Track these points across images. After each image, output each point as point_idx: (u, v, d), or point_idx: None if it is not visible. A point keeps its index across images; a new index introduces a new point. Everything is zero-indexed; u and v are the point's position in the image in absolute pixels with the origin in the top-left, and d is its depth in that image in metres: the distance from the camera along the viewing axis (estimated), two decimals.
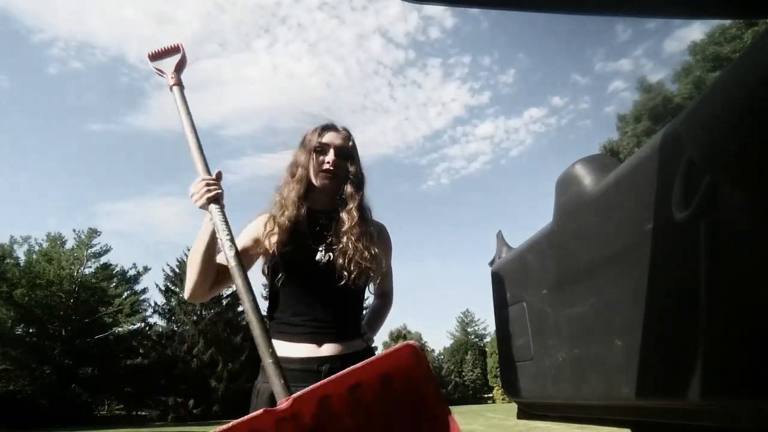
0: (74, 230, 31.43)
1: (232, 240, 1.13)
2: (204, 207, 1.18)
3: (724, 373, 0.84)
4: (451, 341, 52.15)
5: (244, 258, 1.27)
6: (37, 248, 28.72)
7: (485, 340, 50.64)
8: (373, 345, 1.40)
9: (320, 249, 1.32)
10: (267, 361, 1.02)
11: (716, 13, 0.82)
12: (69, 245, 29.05)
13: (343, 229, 1.32)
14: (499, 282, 1.97)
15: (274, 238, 1.31)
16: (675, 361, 0.94)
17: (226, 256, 1.12)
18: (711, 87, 0.88)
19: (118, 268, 30.46)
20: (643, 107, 20.94)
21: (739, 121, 0.75)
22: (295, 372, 1.17)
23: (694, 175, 0.85)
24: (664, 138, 0.97)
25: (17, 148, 51.55)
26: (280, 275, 1.31)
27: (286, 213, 1.33)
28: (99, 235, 29.46)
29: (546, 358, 1.53)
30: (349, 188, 1.37)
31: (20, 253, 28.14)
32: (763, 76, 0.71)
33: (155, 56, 1.46)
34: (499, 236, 2.09)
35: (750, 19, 13.52)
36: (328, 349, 1.25)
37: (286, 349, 1.23)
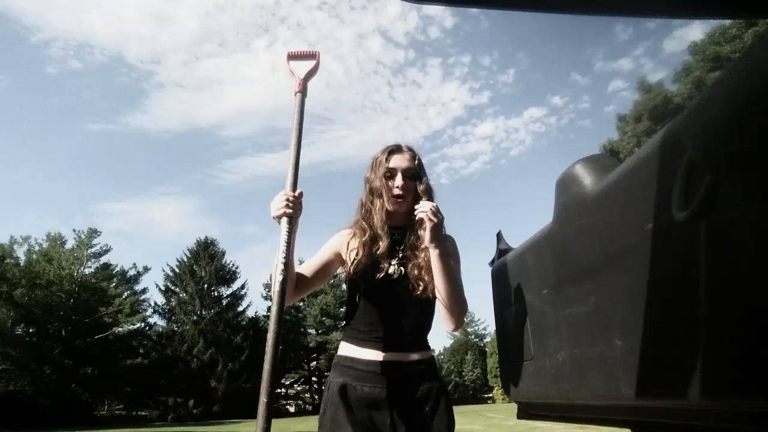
0: (74, 230, 31.53)
1: (285, 264, 1.27)
2: (276, 219, 1.33)
3: (724, 373, 0.84)
4: (451, 341, 52.21)
5: (323, 270, 1.49)
6: (37, 248, 28.75)
7: (485, 340, 50.61)
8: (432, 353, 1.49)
9: (393, 263, 1.43)
10: (262, 400, 1.15)
11: (716, 13, 0.82)
12: (69, 245, 29.13)
13: (423, 245, 1.41)
14: (499, 282, 1.97)
15: (355, 255, 1.44)
16: (675, 361, 0.94)
17: (273, 278, 1.27)
18: (711, 87, 0.88)
19: (118, 268, 30.54)
20: (643, 107, 20.93)
21: (739, 121, 0.75)
22: (360, 372, 1.38)
23: (694, 175, 0.85)
24: (664, 138, 0.97)
25: (17, 148, 51.58)
26: (357, 289, 1.45)
27: (369, 234, 1.45)
28: (99, 235, 29.54)
29: (546, 358, 1.53)
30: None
31: (20, 253, 28.19)
32: (763, 76, 0.71)
33: (293, 56, 1.55)
34: (499, 236, 2.09)
35: (750, 19, 13.53)
36: (393, 355, 1.38)
37: (355, 351, 1.41)
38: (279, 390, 36.35)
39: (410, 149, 1.54)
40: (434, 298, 1.40)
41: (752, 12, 0.72)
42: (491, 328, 50.09)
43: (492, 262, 2.08)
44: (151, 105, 57.46)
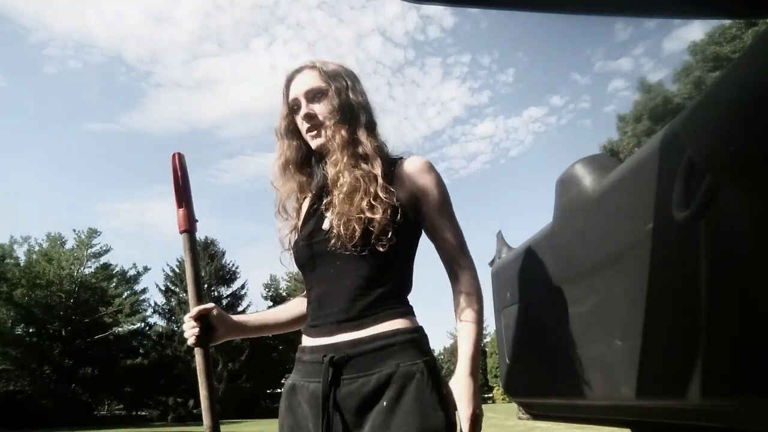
0: (74, 230, 31.45)
1: (208, 389, 1.11)
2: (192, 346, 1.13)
3: (724, 373, 0.84)
4: (451, 341, 52.18)
5: None
6: (37, 248, 28.74)
7: (485, 340, 50.64)
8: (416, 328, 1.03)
9: (327, 216, 1.07)
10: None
11: (716, 13, 0.82)
12: (69, 245, 29.11)
13: (339, 184, 1.04)
14: (499, 282, 1.96)
15: (284, 228, 1.17)
16: (675, 361, 0.94)
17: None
18: (711, 87, 0.88)
19: (118, 268, 30.52)
20: (643, 107, 20.92)
21: (739, 121, 0.75)
22: (306, 365, 1.04)
23: (694, 175, 0.85)
24: (664, 138, 0.97)
25: (16, 148, 51.58)
26: (296, 264, 1.11)
27: (282, 190, 1.17)
28: (99, 235, 29.51)
29: (546, 358, 1.53)
30: (328, 131, 1.07)
31: (20, 253, 28.19)
32: (763, 76, 0.71)
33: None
34: (499, 236, 2.09)
35: (750, 19, 13.53)
36: (338, 334, 1.01)
37: (304, 339, 1.09)
38: (279, 390, 36.35)
39: (313, 65, 1.13)
40: (384, 243, 0.99)
41: (752, 12, 0.72)
42: (491, 328, 50.07)
43: (492, 262, 2.08)
44: (150, 105, 57.48)
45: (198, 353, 1.13)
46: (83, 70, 53.14)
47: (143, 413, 30.44)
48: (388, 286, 1.03)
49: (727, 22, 16.98)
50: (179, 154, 1.15)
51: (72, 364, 26.23)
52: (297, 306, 1.24)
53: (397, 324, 1.00)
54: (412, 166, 1.08)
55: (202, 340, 1.12)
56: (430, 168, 1.09)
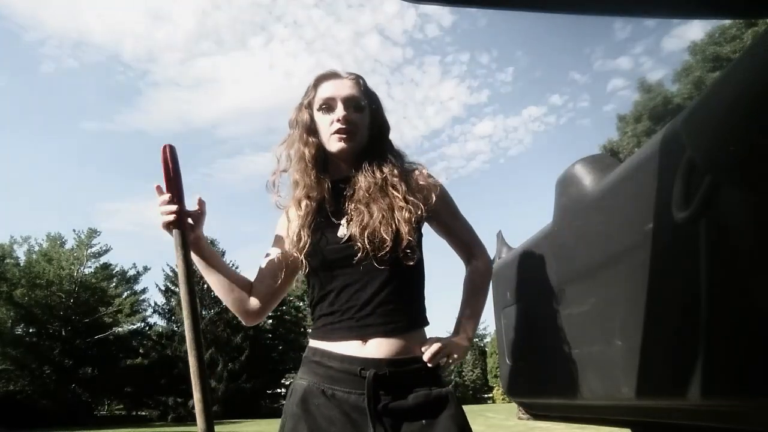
0: (74, 230, 31.50)
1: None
2: (167, 231, 1.10)
3: (724, 373, 0.84)
4: None
5: (289, 266, 1.18)
6: (37, 248, 28.76)
7: (485, 340, 50.63)
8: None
9: (342, 223, 1.11)
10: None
11: (716, 13, 0.82)
12: (69, 245, 29.11)
13: (361, 194, 1.09)
14: (499, 282, 1.97)
15: (296, 226, 1.14)
16: (675, 361, 0.94)
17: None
18: (711, 87, 0.88)
19: (117, 268, 30.54)
20: (643, 107, 20.93)
21: (739, 121, 0.75)
22: (331, 370, 1.04)
23: (694, 175, 0.85)
24: (664, 138, 0.97)
25: (15, 148, 51.59)
26: (306, 265, 1.12)
27: (299, 191, 1.16)
28: (99, 235, 29.52)
29: (546, 358, 1.53)
30: (358, 140, 1.15)
31: (20, 253, 28.23)
32: (763, 76, 0.71)
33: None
34: (499, 236, 2.09)
35: (750, 19, 13.53)
36: (374, 348, 1.03)
37: (325, 343, 1.08)
38: (279, 390, 36.42)
39: (353, 74, 1.18)
40: (408, 262, 1.05)
41: (752, 12, 0.72)
42: (491, 328, 50.11)
43: (492, 262, 2.08)
44: (148, 104, 57.45)
45: (176, 235, 1.07)
46: (80, 69, 53.14)
47: (143, 413, 30.43)
48: (416, 299, 1.12)
49: (727, 22, 16.99)
50: (170, 146, 1.13)
51: (72, 364, 26.22)
52: (249, 283, 1.22)
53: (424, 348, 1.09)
54: (422, 179, 1.18)
55: (180, 221, 1.08)
56: (435, 179, 1.21)
